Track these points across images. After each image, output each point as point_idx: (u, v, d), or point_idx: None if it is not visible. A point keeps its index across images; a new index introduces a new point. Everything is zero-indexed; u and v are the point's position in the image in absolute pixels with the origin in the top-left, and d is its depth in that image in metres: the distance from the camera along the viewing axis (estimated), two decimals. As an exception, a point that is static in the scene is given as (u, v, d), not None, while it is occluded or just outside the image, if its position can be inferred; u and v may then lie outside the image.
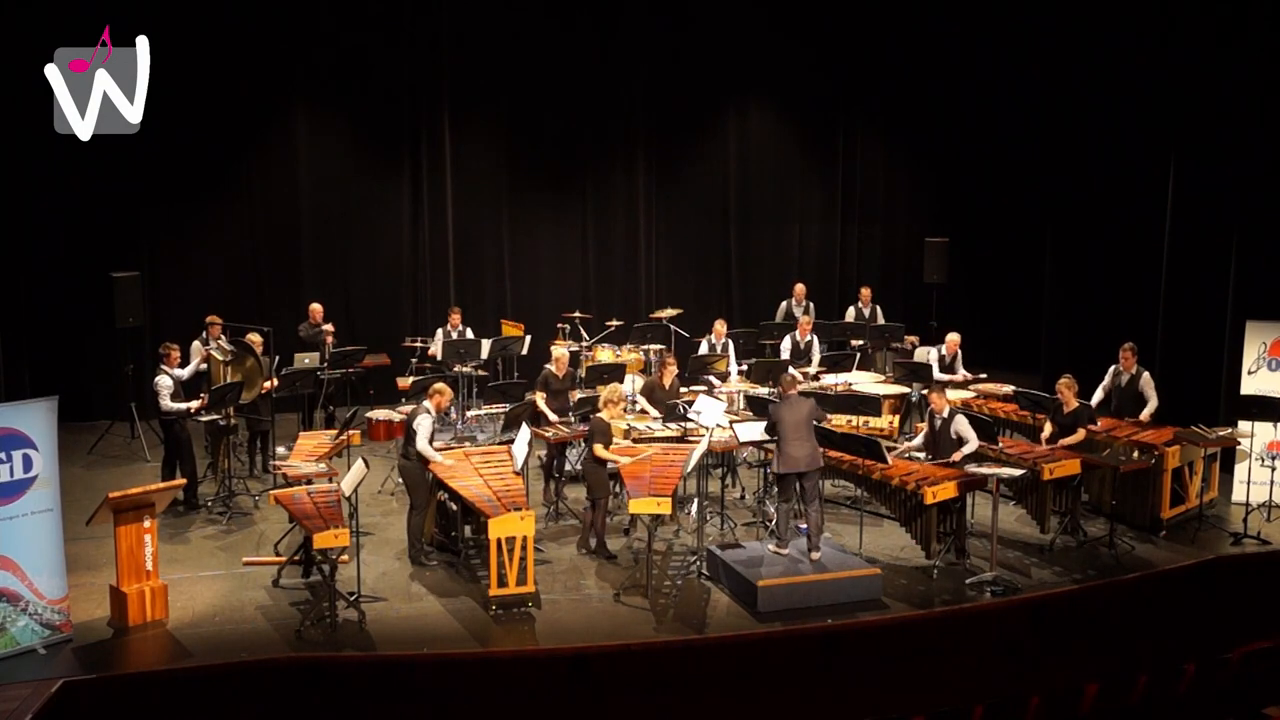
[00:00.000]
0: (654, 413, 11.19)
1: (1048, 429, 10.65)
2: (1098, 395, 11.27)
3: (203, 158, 13.95)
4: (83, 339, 13.50)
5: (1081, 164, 14.32)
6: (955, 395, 12.12)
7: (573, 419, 10.97)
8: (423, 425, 9.53)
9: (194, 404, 10.71)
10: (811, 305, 14.70)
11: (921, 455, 10.19)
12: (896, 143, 16.90)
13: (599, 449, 9.68)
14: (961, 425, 9.91)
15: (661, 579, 9.36)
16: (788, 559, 9.20)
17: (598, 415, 9.88)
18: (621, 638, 8.29)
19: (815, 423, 9.34)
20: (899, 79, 16.44)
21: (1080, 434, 10.38)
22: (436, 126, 14.81)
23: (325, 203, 14.58)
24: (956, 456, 9.82)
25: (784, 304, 15.01)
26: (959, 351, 12.90)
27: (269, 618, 8.54)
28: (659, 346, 13.73)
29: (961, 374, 12.81)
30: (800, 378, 11.52)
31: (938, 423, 10.05)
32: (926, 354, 13.36)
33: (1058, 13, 14.61)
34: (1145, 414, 11.01)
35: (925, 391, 10.64)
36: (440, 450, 9.82)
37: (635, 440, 10.54)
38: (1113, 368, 11.28)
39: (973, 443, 9.86)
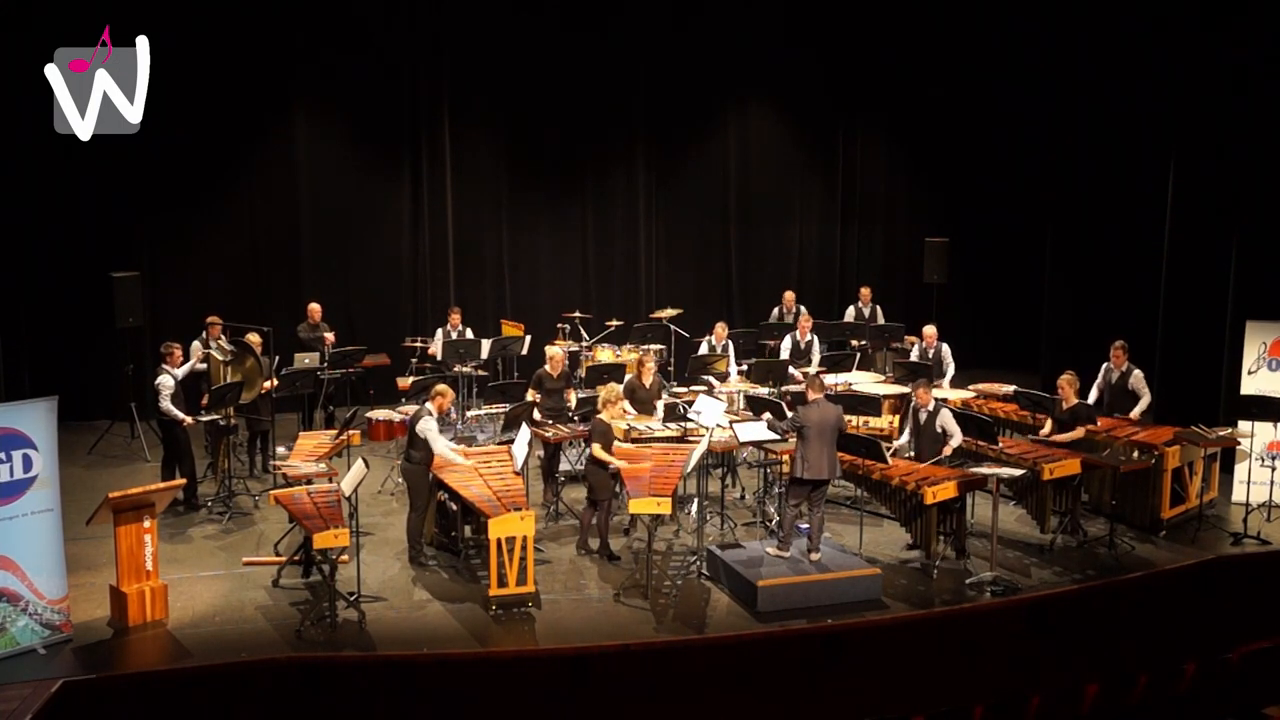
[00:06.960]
0: (633, 413, 11.16)
1: (1048, 427, 10.67)
2: (1092, 394, 11.30)
3: (203, 158, 13.94)
4: (83, 339, 13.48)
5: (1081, 164, 14.32)
6: (956, 395, 12.13)
7: (575, 419, 10.97)
8: (432, 429, 9.48)
9: (188, 420, 10.67)
10: (803, 309, 14.35)
11: (911, 454, 10.20)
12: (896, 143, 16.91)
13: (596, 450, 9.68)
14: (946, 419, 9.91)
15: (661, 579, 9.36)
16: (788, 559, 9.20)
17: (598, 416, 9.88)
18: (621, 638, 8.28)
19: (838, 431, 9.27)
20: (899, 79, 16.44)
21: (1079, 431, 10.37)
22: (436, 127, 14.81)
23: (325, 203, 14.57)
24: (947, 451, 9.84)
25: (775, 310, 14.97)
26: (938, 344, 12.83)
27: (269, 618, 8.54)
28: (659, 346, 13.74)
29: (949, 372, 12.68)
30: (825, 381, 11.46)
31: (922, 417, 10.04)
32: (910, 353, 13.31)
33: (1058, 12, 14.61)
34: (1136, 411, 11.04)
35: (911, 387, 10.62)
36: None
37: (634, 440, 10.54)
38: (1105, 365, 11.32)
39: (957, 436, 9.89)
